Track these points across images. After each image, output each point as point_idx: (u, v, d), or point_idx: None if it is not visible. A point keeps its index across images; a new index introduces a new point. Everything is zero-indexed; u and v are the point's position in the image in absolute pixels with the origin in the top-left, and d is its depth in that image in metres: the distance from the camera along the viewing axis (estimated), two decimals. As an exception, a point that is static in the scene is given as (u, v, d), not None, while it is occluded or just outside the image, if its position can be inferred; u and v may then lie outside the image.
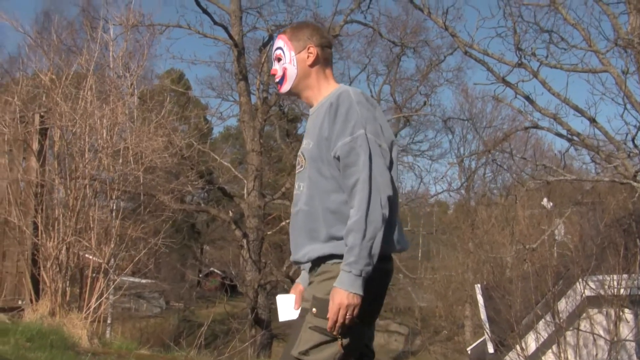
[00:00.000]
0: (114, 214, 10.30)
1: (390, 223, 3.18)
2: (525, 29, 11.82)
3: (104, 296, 9.69)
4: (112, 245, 9.75)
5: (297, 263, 3.46)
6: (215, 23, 16.46)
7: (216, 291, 43.16)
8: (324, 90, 3.48)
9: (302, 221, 3.34)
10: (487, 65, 12.05)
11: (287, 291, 3.92)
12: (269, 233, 16.56)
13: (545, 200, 20.98)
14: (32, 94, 11.08)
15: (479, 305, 18.97)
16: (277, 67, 3.55)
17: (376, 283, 3.21)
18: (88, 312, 9.50)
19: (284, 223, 16.37)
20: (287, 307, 3.58)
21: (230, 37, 16.21)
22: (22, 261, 11.33)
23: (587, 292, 14.11)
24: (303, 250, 3.32)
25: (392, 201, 3.17)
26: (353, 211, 3.09)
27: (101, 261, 9.66)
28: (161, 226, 11.28)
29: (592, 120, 11.38)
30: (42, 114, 11.11)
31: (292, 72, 3.51)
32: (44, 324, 9.13)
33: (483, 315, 18.24)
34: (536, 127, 12.80)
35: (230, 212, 15.72)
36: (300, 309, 3.48)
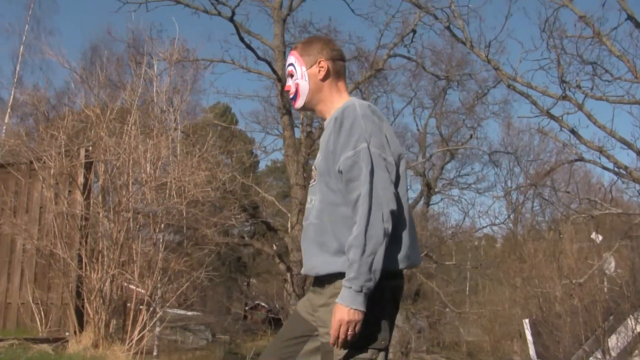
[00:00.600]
0: (157, 246, 10.37)
1: (396, 238, 3.17)
2: (569, 61, 11.73)
3: (147, 328, 9.73)
4: (156, 278, 9.81)
5: (306, 274, 3.46)
6: (259, 58, 16.62)
7: (262, 324, 43.16)
8: (336, 104, 3.46)
9: (312, 234, 3.33)
10: (531, 98, 11.98)
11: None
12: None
13: (594, 233, 20.64)
14: (78, 128, 11.25)
15: (527, 341, 18.73)
16: (290, 84, 3.59)
17: (392, 301, 3.23)
18: (131, 344, 9.55)
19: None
20: None
21: (274, 71, 16.34)
22: (67, 293, 11.46)
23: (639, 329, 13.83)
24: (313, 261, 3.31)
25: (397, 216, 3.13)
26: (355, 226, 3.06)
27: (144, 293, 9.72)
28: (204, 259, 11.32)
29: (639, 153, 11.23)
30: (87, 148, 11.27)
31: (304, 88, 3.52)
32: (87, 355, 9.21)
33: (532, 351, 18.00)
34: (582, 160, 12.68)
35: (274, 245, 15.74)
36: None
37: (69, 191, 11.34)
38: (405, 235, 3.24)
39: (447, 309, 35.01)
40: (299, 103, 3.57)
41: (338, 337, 3.05)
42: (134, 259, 9.93)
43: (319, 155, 3.41)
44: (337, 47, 3.61)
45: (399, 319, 28.26)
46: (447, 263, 20.55)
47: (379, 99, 29.57)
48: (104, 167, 10.52)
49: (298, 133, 18.01)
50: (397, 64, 25.51)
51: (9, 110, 33.55)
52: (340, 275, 3.11)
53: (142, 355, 9.81)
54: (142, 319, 9.77)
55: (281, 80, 16.14)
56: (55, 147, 10.75)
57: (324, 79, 3.50)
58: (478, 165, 45.51)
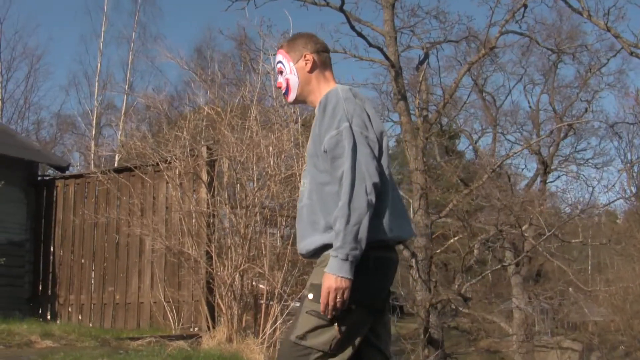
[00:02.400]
0: (285, 239, 10.40)
1: (377, 211, 3.28)
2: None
3: (279, 321, 9.76)
4: (284, 271, 9.83)
5: (303, 256, 3.63)
6: (371, 45, 16.49)
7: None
8: (323, 92, 3.60)
9: (305, 215, 3.50)
10: (657, 65, 11.51)
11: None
12: (437, 252, 16.38)
13: None
14: (200, 127, 11.38)
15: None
16: (281, 80, 3.78)
17: (376, 271, 3.35)
18: (264, 337, 9.61)
19: (452, 241, 16.15)
20: None
21: (387, 58, 16.20)
22: (198, 290, 11.63)
23: None
24: (305, 241, 3.48)
25: (380, 189, 3.27)
26: (340, 200, 3.22)
27: (275, 286, 9.76)
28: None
29: None
30: (209, 146, 11.40)
31: (294, 81, 3.71)
32: (223, 350, 9.31)
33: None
34: None
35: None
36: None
37: (194, 190, 11.51)
38: (387, 208, 3.37)
39: (571, 289, 34.16)
40: (291, 96, 3.76)
41: (328, 304, 3.18)
42: (263, 252, 9.98)
43: (309, 142, 3.61)
44: (320, 40, 3.81)
45: (522, 302, 27.77)
46: (573, 241, 20.08)
47: (490, 77, 29.12)
48: (228, 164, 10.60)
49: (413, 118, 18.22)
50: (507, 41, 24.96)
51: (122, 116, 34.45)
52: (327, 247, 3.30)
53: (276, 349, 9.85)
54: (274, 312, 9.81)
55: (394, 66, 16.02)
56: (179, 147, 10.89)
57: (311, 70, 3.69)
58: (595, 139, 44.04)
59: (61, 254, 14.47)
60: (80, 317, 13.67)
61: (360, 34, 16.27)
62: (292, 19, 12.39)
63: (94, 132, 35.47)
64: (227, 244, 10.32)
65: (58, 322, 13.07)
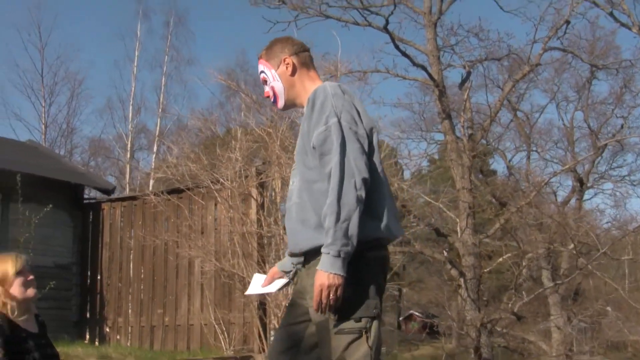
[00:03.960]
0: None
1: (374, 208, 3.27)
2: None
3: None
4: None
5: (293, 255, 3.59)
6: (415, 64, 16.45)
7: (417, 334, 42.80)
8: (309, 90, 3.55)
9: (294, 213, 3.44)
10: None
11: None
12: (486, 271, 16.25)
13: None
14: (252, 148, 11.37)
15: None
16: (267, 89, 3.75)
17: (378, 271, 3.31)
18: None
19: (500, 259, 16.03)
20: (257, 284, 3.88)
21: (430, 76, 16.14)
22: (249, 311, 11.59)
23: None
24: (296, 239, 3.44)
25: (369, 184, 3.21)
26: (328, 196, 3.17)
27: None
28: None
29: None
30: (258, 167, 11.38)
31: (279, 88, 3.69)
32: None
33: None
34: None
35: (445, 251, 15.53)
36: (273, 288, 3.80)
37: (243, 212, 11.48)
38: (383, 206, 3.34)
39: (609, 307, 33.70)
40: (280, 103, 3.73)
41: (321, 302, 3.13)
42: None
43: (297, 141, 3.57)
44: (296, 42, 3.79)
45: (560, 321, 27.42)
46: (623, 258, 19.77)
47: (525, 95, 28.94)
48: (280, 184, 10.57)
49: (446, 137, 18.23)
50: (545, 57, 24.73)
51: (156, 138, 34.60)
52: (320, 250, 3.19)
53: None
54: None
55: (438, 85, 15.97)
56: (230, 168, 10.88)
57: (293, 73, 3.66)
58: (631, 156, 43.37)
59: (109, 276, 14.48)
60: (129, 340, 13.66)
61: (404, 53, 16.22)
62: (333, 39, 12.34)
63: (128, 156, 35.66)
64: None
65: (106, 344, 13.04)
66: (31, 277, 3.96)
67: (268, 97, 3.80)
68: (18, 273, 3.88)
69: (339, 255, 3.09)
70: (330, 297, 3.11)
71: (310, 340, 3.44)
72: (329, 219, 3.11)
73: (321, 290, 3.11)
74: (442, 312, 26.79)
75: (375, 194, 3.29)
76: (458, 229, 15.42)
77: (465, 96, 17.68)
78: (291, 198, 3.50)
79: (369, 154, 3.31)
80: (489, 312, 14.48)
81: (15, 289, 3.85)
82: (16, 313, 3.81)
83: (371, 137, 3.39)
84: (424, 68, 16.55)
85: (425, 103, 23.75)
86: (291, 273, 3.82)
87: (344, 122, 3.27)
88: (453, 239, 15.68)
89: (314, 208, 3.31)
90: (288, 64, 3.66)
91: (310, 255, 3.35)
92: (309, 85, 3.62)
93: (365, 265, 3.22)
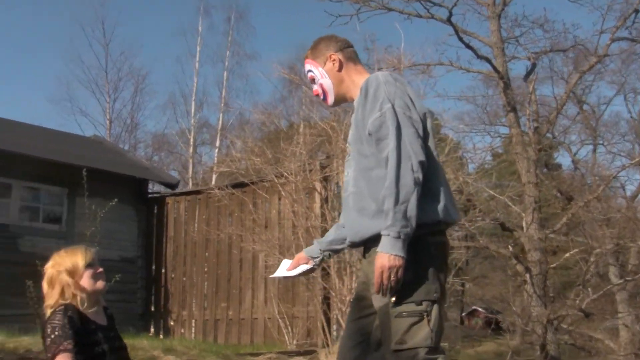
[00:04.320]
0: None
1: (432, 191, 3.27)
2: None
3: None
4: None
5: (353, 244, 3.57)
6: (479, 56, 16.21)
7: (481, 329, 42.44)
8: (359, 83, 3.57)
9: (352, 202, 3.44)
10: None
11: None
12: (552, 266, 15.97)
13: None
14: (315, 142, 11.33)
15: None
16: (315, 88, 3.75)
17: (439, 257, 3.29)
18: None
19: (567, 255, 15.72)
20: (283, 268, 3.88)
21: (495, 69, 15.90)
22: (312, 305, 11.56)
23: None
24: (355, 228, 3.42)
25: (427, 168, 3.22)
26: (386, 179, 3.17)
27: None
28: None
29: None
30: (322, 161, 11.34)
31: (328, 84, 3.69)
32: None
33: None
34: None
35: (510, 246, 15.30)
36: (297, 271, 3.81)
37: (307, 206, 11.44)
38: (440, 189, 3.35)
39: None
40: (330, 99, 3.73)
41: (382, 284, 3.13)
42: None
43: (350, 132, 3.58)
44: (340, 38, 3.81)
45: (628, 319, 26.82)
46: None
47: (591, 87, 28.40)
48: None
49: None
50: (614, 48, 24.17)
51: (219, 133, 34.82)
52: (380, 237, 3.18)
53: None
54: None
55: (503, 78, 15.74)
56: (294, 162, 10.85)
57: (340, 69, 3.68)
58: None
59: (173, 270, 14.61)
60: (193, 333, 13.76)
61: (468, 46, 15.99)
62: (395, 32, 12.23)
63: (191, 151, 35.93)
64: (346, 259, 10.20)
65: (171, 337, 13.15)
66: (100, 269, 3.98)
67: (317, 95, 3.81)
68: (88, 265, 3.89)
69: (398, 237, 3.09)
70: (391, 279, 3.11)
71: (379, 334, 3.40)
72: (387, 201, 3.12)
73: (382, 272, 3.11)
74: (506, 307, 26.41)
75: (432, 178, 3.30)
76: (524, 223, 15.18)
77: (531, 88, 17.40)
78: (347, 189, 3.52)
79: (423, 138, 3.32)
80: (555, 308, 14.22)
81: (85, 281, 3.86)
82: (86, 305, 3.83)
83: (425, 122, 3.40)
84: (488, 60, 16.30)
85: (488, 96, 23.45)
86: (318, 259, 3.87)
87: (397, 107, 3.29)
88: (518, 234, 15.43)
89: (372, 195, 3.32)
90: (334, 60, 3.69)
91: (371, 243, 3.34)
92: (358, 79, 3.64)
93: (426, 250, 3.23)
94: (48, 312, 3.83)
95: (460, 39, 15.89)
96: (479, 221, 12.61)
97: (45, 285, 3.91)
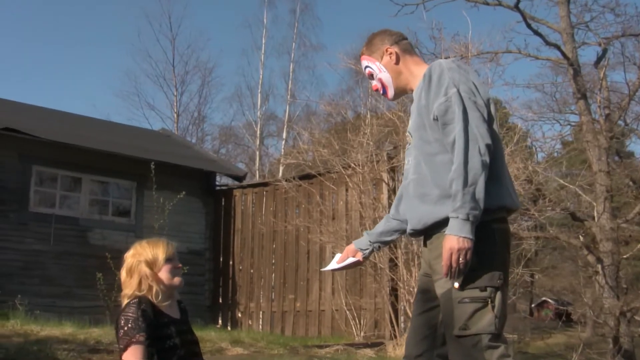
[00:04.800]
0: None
1: (496, 176, 3.26)
2: None
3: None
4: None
5: (414, 233, 3.51)
6: (547, 43, 15.92)
7: (550, 321, 41.91)
8: (417, 74, 3.61)
9: (413, 189, 3.45)
10: None
11: None
12: (624, 257, 15.63)
13: None
14: (382, 132, 11.26)
15: None
16: (374, 83, 3.78)
17: (503, 244, 3.28)
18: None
19: (640, 246, 15.38)
20: (334, 261, 3.93)
21: (564, 55, 15.60)
22: (380, 297, 11.50)
23: None
24: (417, 214, 3.40)
25: (493, 151, 3.21)
26: (454, 162, 3.17)
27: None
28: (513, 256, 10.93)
29: None
30: (389, 151, 11.25)
31: (387, 78, 3.69)
32: None
33: None
34: None
35: (580, 236, 15.03)
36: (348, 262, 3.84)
37: (374, 197, 11.38)
38: (505, 174, 3.38)
39: None
40: (390, 92, 3.74)
41: (450, 267, 3.11)
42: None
43: (411, 121, 3.59)
44: (394, 32, 3.81)
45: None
46: None
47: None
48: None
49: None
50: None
51: (285, 125, 34.91)
52: (445, 222, 3.18)
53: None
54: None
55: (572, 64, 15.42)
56: (361, 153, 10.79)
57: (397, 62, 3.68)
58: None
59: (240, 262, 14.67)
60: (260, 325, 13.80)
61: (536, 32, 15.71)
62: (462, 20, 12.05)
63: (257, 143, 36.10)
64: (414, 250, 10.11)
65: (238, 329, 13.22)
66: (179, 265, 3.98)
67: (377, 90, 3.82)
68: (168, 259, 3.90)
69: (467, 219, 3.08)
70: (460, 261, 3.09)
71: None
72: (455, 183, 3.12)
73: (451, 254, 3.09)
74: (577, 299, 26.01)
75: (497, 162, 3.29)
76: (595, 213, 14.87)
77: (602, 75, 17.02)
78: (407, 177, 3.54)
79: (488, 122, 3.30)
80: (628, 300, 13.94)
81: (163, 275, 3.86)
82: (160, 298, 3.83)
83: (489, 107, 3.39)
84: (557, 47, 16.00)
85: (557, 83, 23.02)
86: (367, 251, 3.88)
87: (462, 92, 3.29)
88: (589, 224, 15.13)
89: (436, 181, 3.32)
90: (391, 53, 3.69)
91: (433, 230, 3.34)
92: (416, 70, 3.66)
93: (490, 236, 3.22)
94: (124, 301, 3.84)
95: (529, 26, 15.63)
96: (549, 211, 12.41)
97: (123, 273, 3.91)
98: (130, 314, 3.69)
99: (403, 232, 3.88)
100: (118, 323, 3.71)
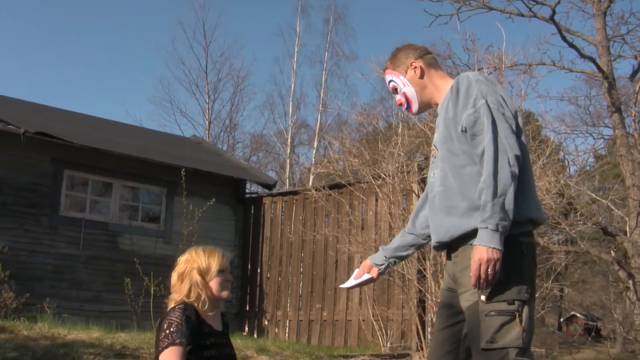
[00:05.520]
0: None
1: (524, 187, 3.24)
2: None
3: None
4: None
5: (440, 245, 3.49)
6: (582, 56, 15.85)
7: (579, 336, 41.53)
8: (442, 88, 3.63)
9: (438, 202, 3.43)
10: None
11: None
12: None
13: None
14: (414, 143, 11.21)
15: None
16: (398, 97, 3.76)
17: (530, 258, 3.26)
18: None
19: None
20: (352, 277, 3.96)
21: (599, 68, 15.50)
22: (407, 308, 11.44)
23: None
24: (444, 227, 3.37)
25: (521, 163, 3.20)
26: (483, 172, 3.16)
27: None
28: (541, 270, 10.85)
29: None
30: (420, 162, 11.21)
31: (411, 92, 3.69)
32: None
33: None
34: None
35: (612, 252, 14.86)
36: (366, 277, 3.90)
37: (403, 208, 11.33)
38: (532, 186, 3.36)
39: None
40: (415, 107, 3.74)
41: (479, 278, 3.08)
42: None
43: (436, 134, 3.57)
44: (418, 46, 3.81)
45: None
46: None
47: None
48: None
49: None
50: None
51: (316, 134, 34.94)
52: (475, 234, 3.14)
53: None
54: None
55: (607, 78, 15.31)
56: (392, 164, 10.75)
57: (422, 76, 3.68)
58: None
59: (268, 270, 14.67)
60: (287, 334, 13.79)
61: (571, 45, 15.65)
62: (496, 32, 11.94)
63: (288, 151, 36.17)
64: (442, 262, 10.04)
65: (265, 337, 13.22)
66: (230, 278, 3.95)
67: (400, 105, 3.82)
68: (220, 271, 3.87)
69: (497, 229, 3.06)
70: (489, 272, 3.07)
71: (468, 341, 3.35)
72: (485, 194, 3.10)
73: (480, 265, 3.07)
74: (607, 314, 25.75)
75: (525, 174, 3.29)
76: (627, 228, 14.72)
77: (637, 88, 16.85)
78: (432, 190, 3.51)
79: (517, 134, 3.29)
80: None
81: (213, 286, 3.83)
82: (206, 308, 3.80)
83: (517, 119, 3.37)
84: (592, 59, 15.91)
85: (591, 96, 22.90)
86: (382, 267, 3.91)
87: (491, 104, 3.28)
88: (621, 239, 14.97)
89: (463, 193, 3.31)
90: (415, 67, 3.69)
91: (459, 243, 3.33)
92: (440, 84, 3.67)
93: (517, 249, 3.20)
94: (171, 304, 3.85)
95: (564, 38, 15.56)
96: (580, 225, 12.28)
97: (174, 277, 3.91)
98: (175, 319, 3.68)
99: (419, 246, 3.94)
100: (161, 325, 3.71)
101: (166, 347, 3.60)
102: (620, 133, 15.66)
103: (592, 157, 30.27)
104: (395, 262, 3.96)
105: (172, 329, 3.64)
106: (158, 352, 3.65)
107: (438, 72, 3.72)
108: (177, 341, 3.61)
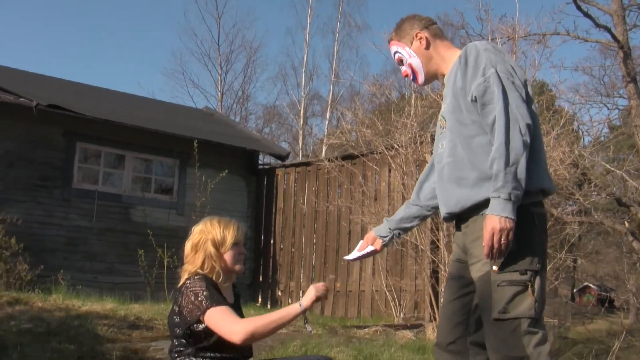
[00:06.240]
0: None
1: (535, 156, 3.21)
2: None
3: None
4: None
5: (449, 216, 3.46)
6: (597, 25, 15.64)
7: (592, 307, 41.53)
8: (448, 59, 3.60)
9: (448, 173, 3.39)
10: None
11: None
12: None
13: None
14: (426, 114, 11.16)
15: None
16: (404, 68, 3.75)
17: (541, 229, 3.25)
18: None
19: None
20: (356, 249, 3.96)
21: (614, 38, 15.32)
22: (420, 279, 11.44)
23: None
24: (454, 198, 3.34)
25: (532, 130, 3.17)
26: (495, 142, 3.13)
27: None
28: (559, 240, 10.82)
29: None
30: (433, 132, 11.15)
31: (417, 63, 3.66)
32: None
33: None
34: None
35: (626, 222, 14.80)
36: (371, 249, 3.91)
37: (416, 178, 11.29)
38: (542, 156, 3.35)
39: None
40: (421, 78, 3.70)
41: (492, 247, 3.05)
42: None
43: (444, 105, 3.53)
44: (423, 17, 3.76)
45: None
46: None
47: None
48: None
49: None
50: None
51: (329, 105, 34.84)
52: (486, 204, 3.12)
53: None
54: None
55: (623, 47, 15.15)
56: (405, 134, 10.71)
57: (427, 46, 3.64)
58: None
59: (281, 241, 14.69)
60: (300, 304, 13.80)
61: (586, 14, 15.44)
62: (511, 0, 11.81)
63: (301, 123, 36.10)
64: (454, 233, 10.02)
65: (278, 308, 13.23)
66: (244, 252, 3.89)
67: (406, 76, 3.79)
68: (235, 244, 3.80)
69: (509, 198, 3.04)
70: (502, 242, 3.05)
71: (479, 312, 3.33)
72: (497, 163, 3.08)
73: (492, 235, 3.04)
74: (621, 285, 25.74)
75: (536, 144, 3.26)
76: (642, 198, 14.65)
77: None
78: (441, 160, 3.48)
79: (527, 103, 3.26)
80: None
81: (227, 258, 3.77)
82: (220, 280, 3.74)
83: (526, 88, 3.33)
84: (607, 29, 15.70)
85: (606, 66, 22.72)
86: (386, 239, 3.91)
87: (500, 72, 3.24)
88: (636, 210, 14.89)
89: (473, 163, 3.28)
90: (421, 38, 3.65)
91: (469, 213, 3.31)
92: (447, 54, 3.64)
93: (529, 220, 3.18)
94: (184, 275, 3.75)
95: (578, 7, 15.36)
96: (594, 196, 12.24)
97: (188, 247, 3.81)
98: (199, 287, 3.58)
99: (423, 218, 3.92)
100: (187, 299, 3.58)
101: (206, 309, 3.51)
102: (635, 103, 15.49)
103: (607, 127, 30.08)
104: (399, 234, 3.94)
105: (204, 294, 3.55)
106: (194, 321, 3.54)
107: (444, 42, 3.69)
108: (218, 302, 3.53)
